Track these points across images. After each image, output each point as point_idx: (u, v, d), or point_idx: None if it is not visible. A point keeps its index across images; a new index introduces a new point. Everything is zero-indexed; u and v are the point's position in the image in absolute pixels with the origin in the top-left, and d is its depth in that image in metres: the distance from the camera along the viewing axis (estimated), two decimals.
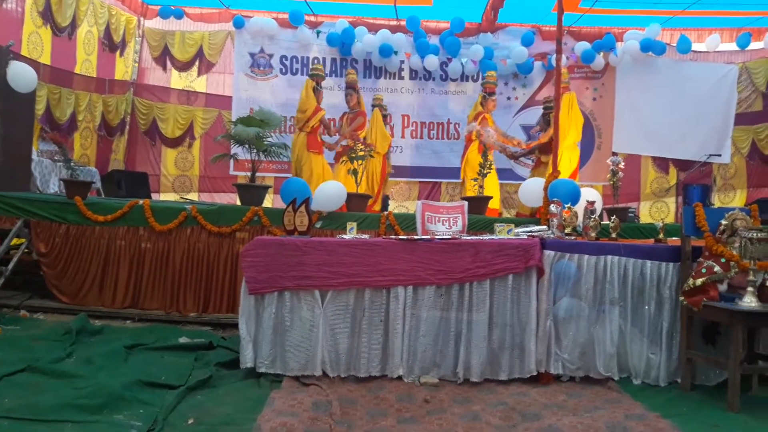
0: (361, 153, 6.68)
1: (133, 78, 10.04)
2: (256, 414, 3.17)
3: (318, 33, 9.94)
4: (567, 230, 4.49)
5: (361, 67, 10.00)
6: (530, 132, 8.95)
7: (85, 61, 8.76)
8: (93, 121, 8.90)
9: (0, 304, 5.31)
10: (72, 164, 5.97)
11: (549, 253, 3.98)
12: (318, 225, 5.52)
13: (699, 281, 3.68)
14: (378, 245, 4.01)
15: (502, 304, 3.93)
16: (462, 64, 9.86)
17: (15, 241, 5.51)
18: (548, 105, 8.01)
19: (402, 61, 10.01)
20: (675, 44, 9.70)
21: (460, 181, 8.36)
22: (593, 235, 4.45)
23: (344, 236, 4.31)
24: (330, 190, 5.70)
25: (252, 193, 5.98)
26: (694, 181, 8.45)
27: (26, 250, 5.53)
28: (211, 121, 10.00)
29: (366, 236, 4.44)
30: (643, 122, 9.60)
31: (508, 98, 10.04)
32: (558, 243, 4.07)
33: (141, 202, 5.60)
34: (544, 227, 4.79)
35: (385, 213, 5.78)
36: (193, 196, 9.76)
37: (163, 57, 10.06)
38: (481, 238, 4.23)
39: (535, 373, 3.90)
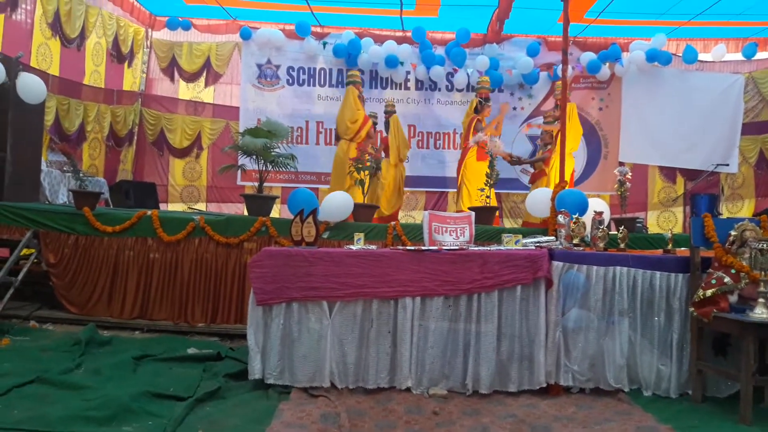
0: (368, 164, 6.69)
1: (141, 89, 10.12)
2: (264, 426, 3.17)
3: (324, 44, 10.00)
4: (575, 241, 4.48)
5: (368, 77, 10.04)
6: (536, 142, 8.94)
7: (94, 72, 8.83)
8: (101, 132, 8.96)
9: (9, 315, 5.32)
10: (81, 175, 6.01)
11: (557, 264, 3.97)
12: (325, 235, 5.52)
13: (709, 292, 3.66)
14: (385, 256, 4.01)
15: (510, 316, 3.92)
16: (468, 74, 9.89)
17: (24, 251, 5.53)
18: (548, 121, 8.10)
19: (408, 72, 10.05)
20: (681, 54, 9.72)
21: (456, 190, 8.37)
22: (602, 245, 4.44)
23: (352, 247, 4.31)
24: (337, 201, 5.70)
25: (259, 203, 5.99)
26: (701, 191, 8.42)
27: (35, 261, 5.55)
28: (218, 132, 10.05)
29: (373, 247, 4.44)
30: (649, 132, 9.59)
31: (514, 108, 10.06)
32: (566, 254, 4.06)
33: (149, 212, 5.62)
34: (552, 238, 4.78)
35: (393, 223, 5.78)
36: (201, 207, 9.80)
37: (171, 68, 10.14)
38: (488, 248, 4.23)
39: (544, 385, 3.88)
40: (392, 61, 9.66)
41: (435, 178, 10.06)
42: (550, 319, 3.92)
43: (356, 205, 5.98)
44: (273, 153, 6.25)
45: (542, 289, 3.93)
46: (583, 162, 9.99)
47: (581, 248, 4.39)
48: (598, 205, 5.45)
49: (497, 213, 7.16)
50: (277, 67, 10.06)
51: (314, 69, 10.08)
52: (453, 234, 4.50)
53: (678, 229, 9.30)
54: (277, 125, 6.52)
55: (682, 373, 3.91)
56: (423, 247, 4.16)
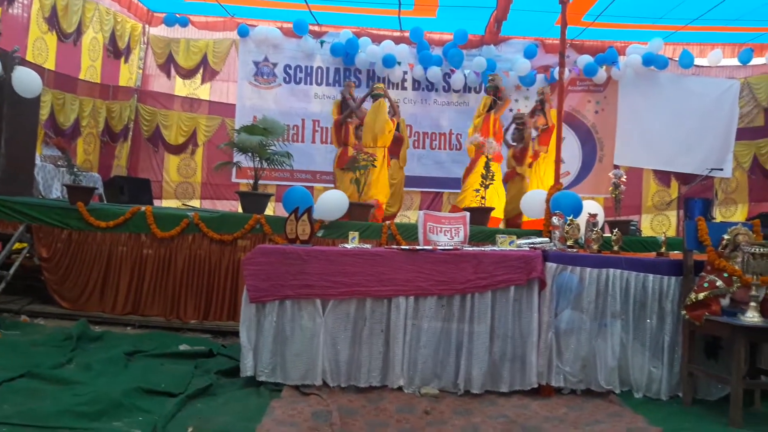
0: (363, 163, 6.69)
1: (137, 85, 10.09)
2: (255, 423, 3.15)
3: (322, 43, 10.00)
4: (569, 242, 4.49)
5: (365, 77, 10.05)
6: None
7: (90, 67, 8.81)
8: (96, 127, 8.94)
9: (0, 309, 5.30)
10: (75, 170, 5.99)
11: (551, 266, 3.98)
12: (320, 234, 5.52)
13: (701, 295, 3.67)
14: (380, 255, 4.01)
15: (503, 316, 3.92)
16: (465, 75, 9.91)
17: (17, 245, 5.51)
18: (519, 120, 8.32)
19: (405, 72, 10.06)
20: (677, 59, 9.75)
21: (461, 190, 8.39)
22: (595, 247, 4.44)
23: (346, 245, 4.31)
24: (332, 200, 5.70)
25: (254, 200, 5.99)
26: (695, 195, 8.45)
27: (28, 255, 5.53)
28: (214, 129, 10.04)
29: (368, 246, 4.44)
30: (644, 135, 9.62)
31: (510, 110, 10.04)
32: (560, 255, 4.07)
33: (143, 208, 5.61)
34: (546, 239, 4.79)
35: (387, 223, 5.78)
36: (195, 203, 9.78)
37: (168, 64, 10.11)
38: (482, 249, 4.23)
39: (536, 386, 3.88)
40: (389, 61, 9.67)
41: (430, 179, 10.07)
42: (543, 320, 3.92)
43: (351, 204, 5.98)
44: (269, 151, 6.24)
45: (535, 290, 3.93)
46: (578, 164, 10.02)
47: (575, 250, 4.40)
48: (592, 207, 5.47)
49: None
50: (274, 65, 10.05)
51: (311, 67, 10.08)
52: (448, 234, 4.51)
53: (672, 233, 9.34)
54: (273, 123, 6.51)
55: (673, 375, 3.92)
56: (417, 247, 4.16)
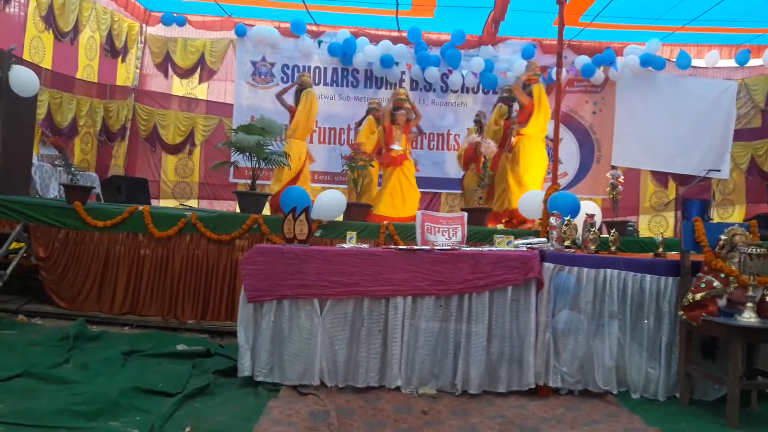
0: (361, 163, 6.70)
1: (135, 84, 10.08)
2: (253, 423, 3.15)
3: (320, 43, 9.99)
4: (566, 243, 4.50)
5: (362, 77, 10.05)
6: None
7: (87, 66, 8.79)
8: (94, 127, 8.93)
9: None
10: (72, 169, 5.97)
11: (548, 266, 3.98)
12: (318, 234, 5.52)
13: (698, 296, 3.68)
14: (377, 255, 4.01)
15: (501, 316, 3.92)
16: (462, 75, 9.91)
17: (14, 245, 5.50)
18: (504, 96, 8.47)
19: (403, 72, 10.07)
20: (675, 60, 9.77)
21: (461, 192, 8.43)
22: (593, 248, 4.45)
23: (344, 245, 4.31)
24: (330, 199, 5.70)
25: (252, 200, 5.99)
26: (693, 196, 8.48)
27: (25, 255, 5.52)
28: (211, 129, 10.03)
29: (365, 246, 4.44)
30: (642, 136, 9.65)
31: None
32: (557, 255, 4.07)
33: (140, 208, 5.60)
34: (544, 239, 4.79)
35: (385, 223, 5.78)
36: (193, 203, 9.77)
37: (165, 63, 10.10)
38: (480, 249, 4.23)
39: (533, 386, 3.88)
40: (387, 61, 9.67)
41: (428, 179, 10.04)
42: (541, 321, 3.93)
43: (349, 204, 5.99)
44: (266, 150, 6.24)
45: (533, 291, 3.94)
46: (576, 165, 10.04)
47: (572, 250, 4.41)
48: (589, 208, 5.47)
49: None
50: (272, 64, 10.04)
51: (309, 67, 10.06)
52: (445, 234, 4.51)
53: (669, 234, 9.36)
54: (271, 123, 6.52)
55: (671, 376, 3.93)
56: (415, 247, 4.16)
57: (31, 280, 5.60)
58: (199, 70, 10.16)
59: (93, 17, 8.68)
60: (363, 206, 6.48)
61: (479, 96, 10.10)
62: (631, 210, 9.90)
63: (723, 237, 3.81)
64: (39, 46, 7.68)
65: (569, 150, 9.96)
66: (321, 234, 5.56)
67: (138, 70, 10.14)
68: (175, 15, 9.93)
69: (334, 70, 10.11)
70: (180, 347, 4.59)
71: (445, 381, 3.90)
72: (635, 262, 4.07)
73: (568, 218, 4.63)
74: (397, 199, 7.54)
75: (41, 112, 7.47)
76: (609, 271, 3.99)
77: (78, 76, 8.57)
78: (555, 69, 6.40)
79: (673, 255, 4.40)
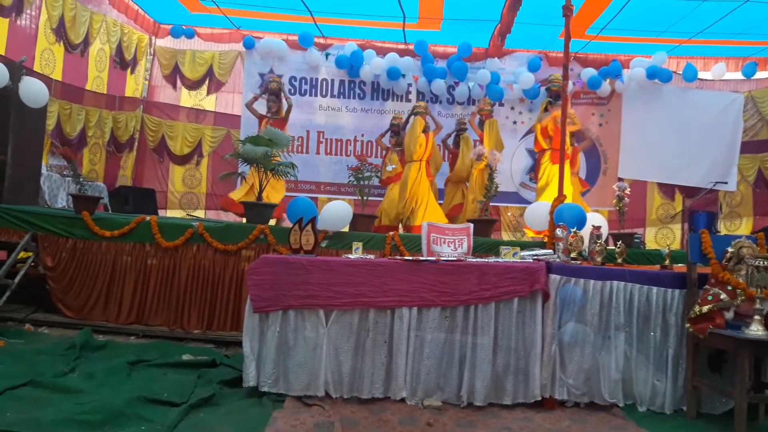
0: (368, 174, 6.72)
1: (143, 95, 10.17)
2: None
3: (327, 55, 10.06)
4: (572, 255, 4.49)
5: (369, 89, 10.10)
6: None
7: (97, 77, 8.88)
8: (102, 137, 9.00)
9: (5, 318, 5.32)
10: (81, 179, 6.02)
11: (555, 278, 3.97)
12: (324, 244, 5.53)
13: (705, 308, 3.66)
14: (383, 266, 4.01)
15: (507, 328, 3.91)
16: (469, 88, 9.94)
17: (22, 254, 5.53)
18: (462, 127, 8.72)
19: (409, 84, 10.11)
20: (681, 72, 9.78)
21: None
22: (599, 260, 4.44)
23: (350, 256, 4.31)
24: (336, 210, 5.71)
25: (258, 211, 6.00)
26: (699, 208, 8.44)
27: (33, 264, 5.55)
28: (219, 140, 10.09)
29: (371, 256, 4.44)
30: (649, 148, 9.63)
31: (514, 122, 10.11)
32: (564, 267, 4.06)
33: (148, 218, 5.63)
34: (550, 251, 4.78)
35: (391, 233, 5.79)
36: (200, 214, 9.81)
37: (174, 75, 10.19)
38: (486, 260, 4.23)
39: (539, 398, 3.87)
40: (394, 74, 9.72)
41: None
42: (547, 332, 3.91)
43: (355, 215, 5.99)
44: (273, 161, 6.26)
45: (539, 302, 3.93)
46: (583, 177, 10.01)
47: (579, 262, 4.40)
48: (596, 219, 5.46)
49: None
50: (280, 76, 10.07)
51: (316, 79, 10.13)
52: (451, 245, 4.51)
53: (676, 246, 9.32)
54: (278, 134, 6.55)
55: (678, 388, 3.90)
56: (421, 258, 4.16)
57: (38, 289, 5.63)
58: (207, 82, 10.24)
59: (103, 29, 8.78)
60: (369, 217, 6.50)
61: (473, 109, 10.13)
62: (637, 222, 9.87)
63: (730, 249, 3.79)
64: (50, 58, 7.77)
65: None
66: (327, 244, 5.57)
67: (147, 82, 10.23)
68: (184, 27, 10.04)
69: (341, 82, 10.16)
70: (185, 357, 4.60)
71: (450, 393, 3.89)
72: (642, 274, 4.06)
73: (574, 230, 4.62)
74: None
75: (51, 122, 7.55)
76: (615, 283, 3.97)
77: (87, 87, 8.66)
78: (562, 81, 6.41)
79: (680, 267, 4.38)
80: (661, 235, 10.01)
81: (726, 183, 9.05)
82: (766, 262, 3.41)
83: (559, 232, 4.71)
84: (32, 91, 5.89)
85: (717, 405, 3.89)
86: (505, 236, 9.75)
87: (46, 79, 7.00)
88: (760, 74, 9.79)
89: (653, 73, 9.54)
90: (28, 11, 7.31)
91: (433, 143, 8.23)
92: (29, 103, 5.92)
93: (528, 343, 3.90)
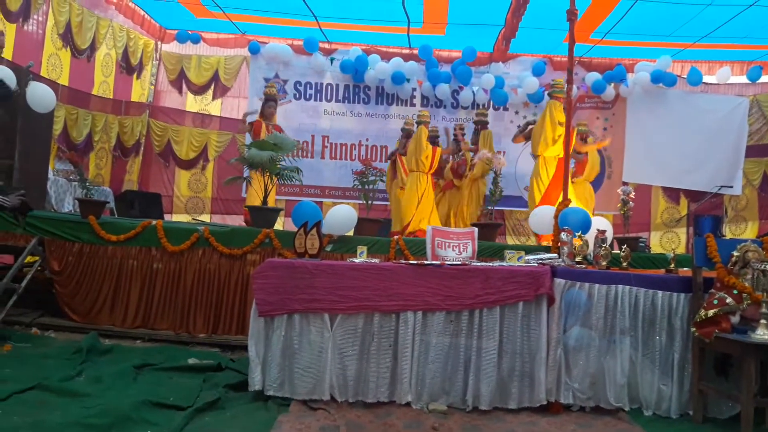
0: (373, 178, 6.73)
1: (149, 100, 10.23)
2: None
3: (332, 60, 10.11)
4: (577, 259, 4.48)
5: (374, 93, 10.14)
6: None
7: (103, 82, 8.94)
8: (108, 142, 9.05)
9: (12, 321, 5.33)
10: (87, 184, 6.05)
11: (560, 282, 3.97)
12: (328, 248, 5.54)
13: (711, 312, 3.65)
14: (388, 269, 4.01)
15: (512, 332, 3.91)
16: (473, 92, 9.96)
17: (29, 258, 5.56)
18: (480, 120, 8.58)
19: (414, 89, 10.14)
20: (686, 76, 9.78)
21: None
22: (604, 264, 4.44)
23: (354, 260, 4.32)
24: (341, 214, 5.73)
25: (264, 215, 6.02)
26: (705, 212, 8.43)
27: (39, 268, 5.57)
28: (224, 144, 10.13)
29: (376, 260, 4.44)
30: (653, 152, 9.62)
31: (518, 127, 10.08)
32: (568, 271, 4.06)
33: (154, 222, 5.65)
34: (555, 255, 4.78)
35: (396, 237, 5.80)
36: (205, 218, 9.84)
37: (179, 80, 10.25)
38: (491, 264, 4.23)
39: (545, 403, 3.86)
40: (399, 78, 9.75)
41: None
42: (552, 337, 3.91)
43: (360, 219, 6.00)
44: (278, 166, 6.28)
45: (544, 306, 3.92)
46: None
47: (584, 266, 4.39)
48: (601, 223, 5.46)
49: None
50: (285, 81, 10.16)
51: (321, 84, 10.18)
52: (456, 249, 4.51)
53: (681, 250, 9.30)
54: (284, 139, 6.57)
55: (683, 393, 3.89)
56: (426, 262, 4.16)
57: (45, 293, 5.65)
58: (212, 87, 10.30)
59: (109, 35, 8.84)
60: (373, 221, 6.50)
61: (489, 112, 10.12)
62: (642, 226, 9.85)
63: (735, 253, 3.78)
64: (56, 63, 7.82)
65: None
66: (332, 248, 5.58)
67: (153, 87, 10.30)
68: (189, 32, 10.10)
69: (346, 86, 10.21)
70: (191, 361, 4.60)
71: (455, 397, 3.88)
72: (647, 278, 4.05)
73: (579, 234, 4.62)
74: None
75: (57, 127, 7.59)
76: (620, 287, 3.97)
77: (94, 92, 8.72)
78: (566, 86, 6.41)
79: (685, 271, 4.37)
80: (666, 239, 9.99)
81: (731, 187, 9.03)
82: None
83: (563, 236, 4.71)
84: (39, 96, 5.93)
85: (723, 409, 3.87)
86: (510, 240, 9.75)
87: (52, 84, 7.05)
88: (765, 78, 9.78)
89: (658, 77, 9.54)
90: (35, 17, 7.37)
91: (439, 158, 8.20)
92: (36, 108, 5.96)
93: (533, 347, 3.90)
